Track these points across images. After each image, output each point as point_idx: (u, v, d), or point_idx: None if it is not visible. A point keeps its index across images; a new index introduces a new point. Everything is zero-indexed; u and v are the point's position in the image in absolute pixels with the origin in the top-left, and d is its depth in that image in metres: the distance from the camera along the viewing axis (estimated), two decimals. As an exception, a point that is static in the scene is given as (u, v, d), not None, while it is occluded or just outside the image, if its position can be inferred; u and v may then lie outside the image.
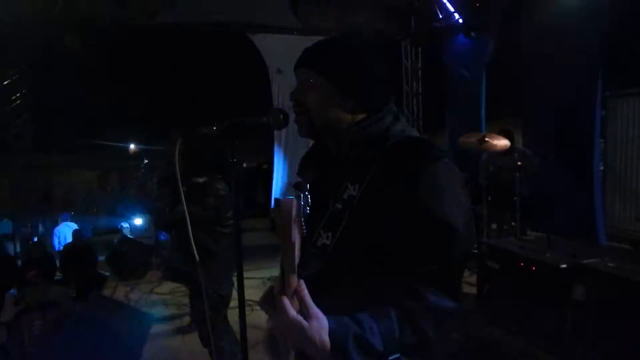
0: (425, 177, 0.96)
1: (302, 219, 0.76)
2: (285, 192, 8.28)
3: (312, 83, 1.08)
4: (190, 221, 1.24)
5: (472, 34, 7.00)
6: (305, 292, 0.80)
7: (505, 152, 4.77)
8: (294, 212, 0.74)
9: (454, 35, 7.62)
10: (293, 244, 0.75)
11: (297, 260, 0.76)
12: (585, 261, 2.91)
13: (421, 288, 0.92)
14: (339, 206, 1.04)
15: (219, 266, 2.52)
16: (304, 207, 0.77)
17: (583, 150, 5.31)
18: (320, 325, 0.81)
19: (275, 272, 5.35)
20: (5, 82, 6.65)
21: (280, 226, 0.76)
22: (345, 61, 1.07)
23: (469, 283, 4.01)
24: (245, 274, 1.23)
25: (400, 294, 0.92)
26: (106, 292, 4.82)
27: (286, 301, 0.79)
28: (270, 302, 0.84)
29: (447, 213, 0.95)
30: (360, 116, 1.09)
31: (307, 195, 0.78)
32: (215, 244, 2.54)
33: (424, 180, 0.96)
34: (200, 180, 2.55)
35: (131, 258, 5.54)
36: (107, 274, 5.40)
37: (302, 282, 0.79)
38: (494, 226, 5.36)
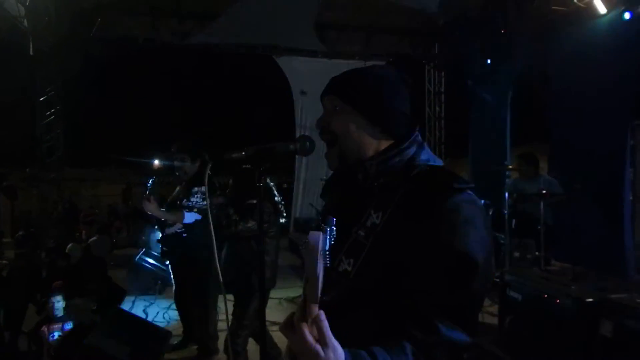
0: (447, 209, 0.97)
1: (327, 252, 0.79)
2: (305, 212, 8.32)
3: (339, 110, 1.11)
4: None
5: (498, 59, 6.98)
6: (325, 322, 0.80)
7: (530, 179, 4.69)
8: (320, 246, 0.77)
9: (478, 60, 7.63)
10: (318, 276, 0.78)
11: (319, 291, 0.78)
12: (613, 295, 2.80)
13: (437, 321, 0.91)
14: (362, 233, 1.04)
15: (268, 272, 3.04)
16: (330, 240, 0.80)
17: (612, 180, 5.17)
18: (336, 356, 0.81)
19: (293, 292, 5.35)
20: (42, 99, 6.95)
21: (307, 258, 0.78)
22: (372, 89, 1.09)
23: (491, 313, 3.91)
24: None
25: (417, 326, 0.92)
26: (125, 306, 4.87)
27: (305, 328, 0.80)
28: (290, 327, 0.85)
29: (467, 246, 0.94)
30: (386, 144, 1.10)
31: (333, 229, 0.80)
32: (267, 254, 3.05)
33: (446, 212, 0.96)
34: (253, 201, 3.02)
35: (151, 273, 5.61)
36: (126, 288, 5.46)
37: (322, 312, 0.80)
38: (516, 254, 5.23)
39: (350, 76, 1.13)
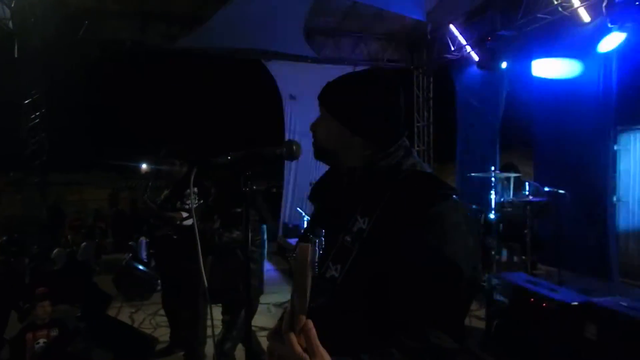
0: (432, 216, 0.97)
1: (316, 263, 0.79)
2: (294, 217, 8.29)
3: (324, 119, 1.12)
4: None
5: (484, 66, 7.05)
6: (313, 331, 0.80)
7: (516, 185, 4.75)
8: (309, 258, 0.77)
9: (466, 67, 7.72)
10: (306, 288, 0.78)
11: (308, 302, 0.79)
12: (597, 299, 2.85)
13: (424, 328, 0.92)
14: (349, 239, 1.04)
15: (256, 280, 3.08)
16: (318, 252, 0.80)
17: (596, 185, 5.26)
18: None
19: (281, 297, 5.33)
20: (26, 102, 6.85)
21: (296, 270, 0.79)
22: (354, 101, 1.09)
23: (478, 317, 3.93)
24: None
25: (404, 333, 0.92)
26: (111, 312, 4.80)
27: (293, 337, 0.80)
28: (278, 336, 0.84)
29: (453, 253, 0.95)
30: (370, 151, 1.11)
31: (322, 241, 0.81)
32: (254, 262, 3.08)
33: (431, 219, 0.97)
34: (238, 210, 2.95)
35: (138, 279, 5.53)
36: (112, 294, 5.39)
37: (310, 321, 0.80)
38: (505, 258, 5.28)
39: (335, 87, 1.14)
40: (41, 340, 3.27)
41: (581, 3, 5.47)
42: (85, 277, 5.17)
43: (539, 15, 5.84)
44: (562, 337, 2.88)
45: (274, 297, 5.03)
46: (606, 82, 5.21)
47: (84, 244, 6.98)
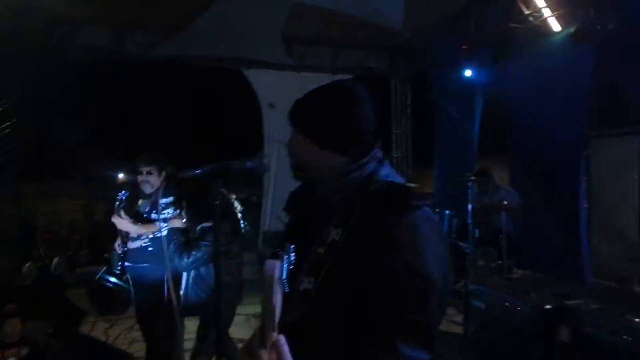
0: (403, 227, 0.98)
1: (284, 279, 0.80)
2: (273, 225, 8.24)
3: (295, 136, 1.14)
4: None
5: (461, 73, 7.18)
6: (284, 347, 0.80)
7: (490, 190, 4.83)
8: (277, 274, 0.78)
9: (443, 75, 7.85)
10: (274, 305, 0.78)
11: (277, 318, 0.79)
12: (569, 302, 2.91)
13: (397, 340, 0.92)
14: (322, 251, 1.04)
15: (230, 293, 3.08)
16: (287, 268, 0.80)
17: (568, 189, 5.40)
18: None
19: (260, 309, 5.25)
20: (-4, 111, 6.65)
21: (264, 287, 0.79)
22: (317, 115, 1.10)
23: (455, 322, 3.97)
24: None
25: (377, 345, 0.92)
26: (84, 328, 4.66)
27: (264, 354, 0.79)
28: (249, 353, 0.84)
29: (424, 264, 0.96)
30: (341, 163, 1.11)
31: (290, 256, 0.81)
32: (228, 275, 3.07)
33: (401, 230, 0.97)
34: (208, 224, 2.95)
35: (112, 293, 5.37)
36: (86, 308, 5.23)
37: (281, 337, 0.80)
38: (481, 263, 5.36)
39: (303, 104, 1.15)
40: (11, 359, 3.16)
41: (552, 13, 5.65)
42: (57, 292, 5.02)
43: (511, 24, 6.00)
44: (536, 341, 2.93)
45: (253, 308, 4.98)
46: (576, 89, 5.37)
47: (57, 258, 6.80)
